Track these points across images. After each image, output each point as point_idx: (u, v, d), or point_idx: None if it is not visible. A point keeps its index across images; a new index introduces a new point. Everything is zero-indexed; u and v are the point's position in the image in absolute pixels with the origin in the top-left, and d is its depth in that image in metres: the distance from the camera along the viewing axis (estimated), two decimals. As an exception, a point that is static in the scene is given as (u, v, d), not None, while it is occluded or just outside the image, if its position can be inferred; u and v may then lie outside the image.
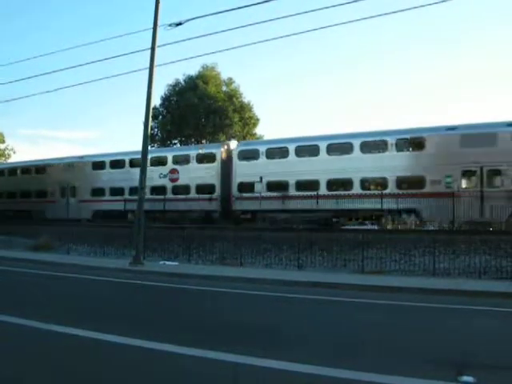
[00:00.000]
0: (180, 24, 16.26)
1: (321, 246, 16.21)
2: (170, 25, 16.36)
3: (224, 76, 44.64)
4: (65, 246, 20.70)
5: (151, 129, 35.16)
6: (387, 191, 22.12)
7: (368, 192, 22.56)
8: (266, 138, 41.49)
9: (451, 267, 13.41)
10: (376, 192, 22.37)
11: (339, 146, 23.91)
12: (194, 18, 16.19)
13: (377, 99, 77.58)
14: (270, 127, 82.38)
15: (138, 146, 17.54)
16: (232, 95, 42.96)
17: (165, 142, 44.16)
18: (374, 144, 23.13)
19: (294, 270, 15.04)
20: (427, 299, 9.99)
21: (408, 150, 22.77)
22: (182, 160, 28.15)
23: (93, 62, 35.84)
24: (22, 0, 79.84)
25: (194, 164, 27.12)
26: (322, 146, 23.97)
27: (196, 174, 26.90)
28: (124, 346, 6.03)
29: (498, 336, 7.01)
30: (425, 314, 8.84)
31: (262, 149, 25.84)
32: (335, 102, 78.72)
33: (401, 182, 22.12)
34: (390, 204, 21.69)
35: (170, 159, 28.55)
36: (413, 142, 22.65)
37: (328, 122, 75.66)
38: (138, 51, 18.54)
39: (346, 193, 22.63)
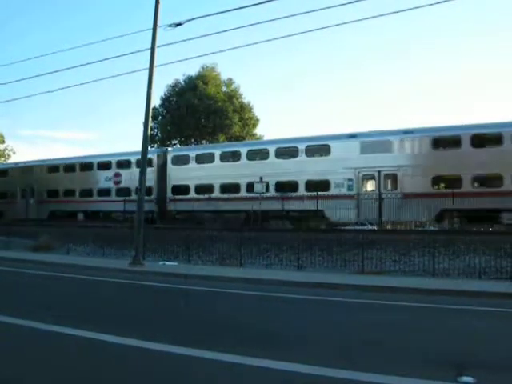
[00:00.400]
0: (180, 24, 16.27)
1: (321, 246, 16.21)
2: (169, 25, 16.37)
3: (224, 76, 44.69)
4: (64, 247, 20.69)
5: (151, 129, 35.20)
6: (298, 194, 24.03)
7: (281, 194, 24.28)
8: (266, 138, 41.50)
9: (451, 267, 13.42)
10: (291, 194, 24.18)
11: (258, 152, 26.22)
12: (193, 19, 16.21)
13: (377, 99, 77.63)
14: (270, 127, 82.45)
15: (138, 147, 17.57)
16: (232, 95, 42.96)
17: (164, 143, 44.16)
18: (287, 150, 25.09)
19: (294, 270, 15.04)
20: (427, 299, 9.99)
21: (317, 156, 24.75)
22: (124, 164, 30.09)
23: (92, 63, 35.85)
24: (22, 0, 79.91)
25: (134, 168, 28.16)
26: (243, 152, 26.22)
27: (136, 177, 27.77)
28: (123, 346, 6.02)
29: (497, 336, 7.00)
30: (425, 315, 8.84)
31: (192, 154, 27.88)
32: (335, 102, 78.78)
33: (309, 185, 23.86)
34: (299, 205, 23.84)
35: (113, 164, 30.62)
36: (320, 148, 24.75)
37: (328, 122, 75.71)
38: (137, 51, 18.57)
39: (264, 195, 24.02)
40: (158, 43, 16.65)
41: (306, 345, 6.36)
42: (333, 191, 23.12)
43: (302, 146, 24.29)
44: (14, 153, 54.23)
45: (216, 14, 16.44)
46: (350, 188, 22.90)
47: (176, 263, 16.75)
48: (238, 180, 25.64)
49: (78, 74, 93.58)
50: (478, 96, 77.30)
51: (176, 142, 45.05)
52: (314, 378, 4.83)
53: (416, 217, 20.70)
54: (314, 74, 75.79)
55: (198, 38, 18.37)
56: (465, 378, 4.72)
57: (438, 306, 9.37)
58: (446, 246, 14.47)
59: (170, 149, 30.70)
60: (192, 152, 28.51)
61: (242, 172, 25.32)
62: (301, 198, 23.81)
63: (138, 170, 25.71)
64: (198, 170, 26.71)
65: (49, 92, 33.63)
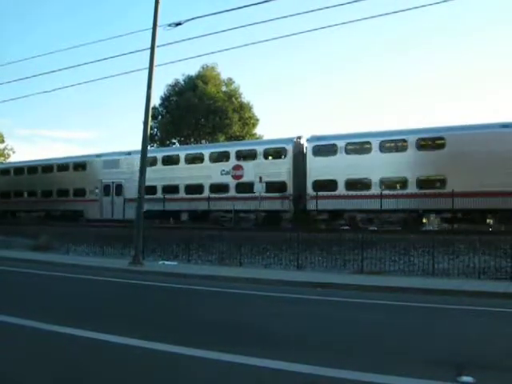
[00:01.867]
0: (179, 24, 16.27)
1: (320, 246, 16.22)
2: (169, 25, 16.37)
3: (224, 76, 44.68)
4: (64, 247, 20.70)
5: (151, 129, 35.13)
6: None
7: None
8: (266, 138, 41.45)
9: (450, 267, 13.43)
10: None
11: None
12: (193, 18, 16.21)
13: (377, 99, 77.63)
14: (270, 127, 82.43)
15: (138, 146, 17.55)
16: (231, 95, 42.94)
17: (164, 142, 44.16)
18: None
19: (294, 270, 15.05)
20: (426, 299, 10.00)
21: None
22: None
23: (92, 62, 35.88)
24: (20, 0, 79.80)
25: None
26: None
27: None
28: (123, 345, 6.03)
29: (497, 336, 7.01)
30: (424, 314, 8.85)
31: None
32: (335, 102, 78.77)
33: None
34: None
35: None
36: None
37: (328, 121, 75.71)
38: (137, 51, 18.57)
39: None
40: (157, 43, 16.67)
41: (305, 344, 6.37)
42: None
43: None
44: (13, 152, 54.25)
45: (216, 13, 16.47)
46: None
47: (176, 263, 16.76)
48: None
49: (78, 74, 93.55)
50: (477, 95, 77.36)
51: (175, 141, 45.04)
52: (316, 377, 4.83)
53: None
54: (314, 74, 75.84)
55: (197, 37, 18.37)
56: (464, 378, 4.73)
57: (437, 306, 9.38)
58: (446, 246, 14.48)
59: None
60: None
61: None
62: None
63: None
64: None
65: (47, 92, 33.58)
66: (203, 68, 43.67)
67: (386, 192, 21.17)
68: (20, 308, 8.49)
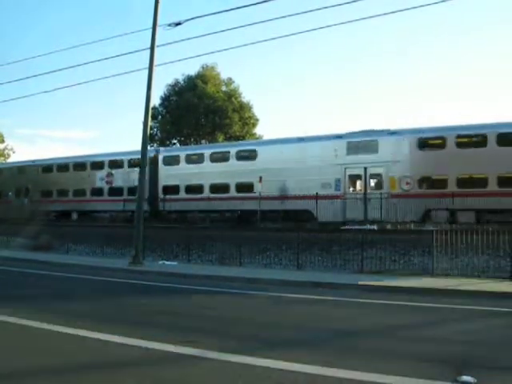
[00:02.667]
0: (179, 24, 16.26)
1: (320, 245, 16.22)
2: (169, 25, 16.37)
3: (224, 76, 44.68)
4: (64, 246, 20.71)
5: (151, 129, 35.18)
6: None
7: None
8: (266, 137, 41.47)
9: (450, 267, 13.43)
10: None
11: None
12: (193, 18, 16.20)
13: (376, 98, 77.64)
14: (269, 127, 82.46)
15: (138, 146, 17.57)
16: (231, 95, 42.93)
17: (164, 142, 44.15)
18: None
19: (294, 269, 15.05)
20: (426, 299, 10.00)
21: None
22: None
23: (92, 62, 35.87)
24: (20, 1, 79.80)
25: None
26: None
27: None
28: (124, 345, 6.03)
29: (497, 336, 7.02)
30: (424, 314, 8.86)
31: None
32: (335, 102, 78.76)
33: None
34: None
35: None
36: None
37: (328, 121, 75.71)
38: (137, 51, 18.61)
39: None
40: (157, 42, 16.67)
41: (305, 344, 6.36)
42: None
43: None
44: (13, 152, 54.30)
45: (215, 13, 16.47)
46: None
47: (176, 263, 16.76)
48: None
49: (78, 74, 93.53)
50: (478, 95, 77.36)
51: (175, 141, 45.02)
52: (316, 377, 4.84)
53: None
54: (314, 74, 75.82)
55: (197, 37, 18.42)
56: (465, 378, 4.73)
57: (437, 306, 9.37)
58: (445, 245, 14.47)
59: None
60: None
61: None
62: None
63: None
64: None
65: (46, 92, 33.55)
66: (203, 68, 43.69)
67: (214, 195, 25.47)
68: (19, 308, 8.48)
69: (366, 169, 21.77)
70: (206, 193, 25.73)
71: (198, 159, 26.86)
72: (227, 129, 41.98)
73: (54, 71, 34.14)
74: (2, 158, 52.38)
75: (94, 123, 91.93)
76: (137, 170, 24.73)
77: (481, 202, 18.99)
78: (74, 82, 76.02)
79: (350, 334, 7.10)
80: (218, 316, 8.38)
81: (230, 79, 44.48)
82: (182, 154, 27.86)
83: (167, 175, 27.45)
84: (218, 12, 16.44)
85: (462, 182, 20.04)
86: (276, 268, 15.57)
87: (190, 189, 26.45)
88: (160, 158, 28.08)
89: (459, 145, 20.48)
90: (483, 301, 9.76)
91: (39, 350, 5.93)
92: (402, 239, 15.97)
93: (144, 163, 16.90)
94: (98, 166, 30.44)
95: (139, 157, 16.83)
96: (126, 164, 29.28)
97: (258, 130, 45.17)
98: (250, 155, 25.10)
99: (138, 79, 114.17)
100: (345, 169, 22.23)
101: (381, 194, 21.01)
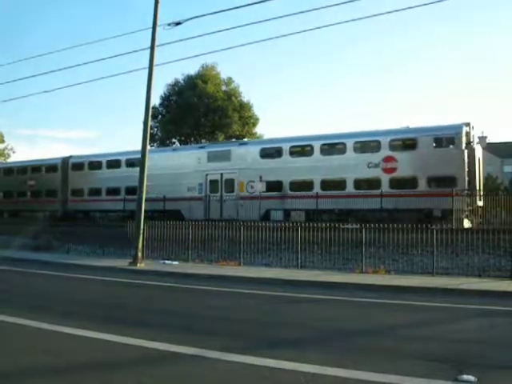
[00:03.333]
0: (179, 23, 16.24)
1: (321, 245, 16.22)
2: (169, 24, 16.33)
3: (224, 75, 44.61)
4: (64, 246, 20.71)
5: (151, 128, 35.16)
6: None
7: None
8: (266, 137, 41.41)
9: (450, 266, 13.43)
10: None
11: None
12: (193, 18, 16.17)
13: (375, 98, 77.63)
14: (269, 127, 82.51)
15: (138, 146, 17.60)
16: (231, 94, 42.86)
17: (164, 142, 44.11)
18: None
19: (294, 269, 15.04)
20: (427, 298, 10.00)
21: None
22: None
23: (92, 62, 35.86)
24: (21, 1, 79.80)
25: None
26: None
27: None
28: (124, 345, 6.03)
29: (498, 335, 7.02)
30: (424, 313, 8.85)
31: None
32: (335, 102, 78.76)
33: None
34: None
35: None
36: None
37: (328, 121, 75.68)
38: (137, 51, 18.61)
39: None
40: (157, 42, 16.64)
41: (305, 344, 6.37)
42: None
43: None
44: (13, 152, 54.27)
45: (215, 13, 16.42)
46: None
47: (176, 262, 16.76)
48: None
49: (78, 74, 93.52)
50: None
51: (175, 141, 44.98)
52: (316, 376, 4.83)
53: None
54: (314, 74, 75.81)
55: (197, 37, 18.38)
56: (465, 377, 4.73)
57: (437, 305, 9.38)
58: (446, 244, 14.47)
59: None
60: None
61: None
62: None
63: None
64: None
65: (46, 92, 33.50)
66: (203, 67, 43.62)
67: (110, 197, 29.07)
68: (18, 307, 8.49)
69: (222, 174, 25.22)
70: (103, 195, 29.73)
71: (98, 166, 30.78)
72: (227, 128, 41.90)
73: (54, 71, 34.14)
74: (2, 158, 52.35)
75: (95, 123, 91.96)
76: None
77: (309, 203, 22.50)
78: (74, 82, 76.04)
79: (351, 334, 7.10)
80: (218, 315, 8.37)
81: (230, 79, 44.42)
82: (86, 161, 31.80)
83: (74, 179, 31.47)
84: (218, 11, 16.43)
85: (295, 186, 23.34)
86: (276, 267, 15.57)
87: (92, 191, 30.46)
88: (70, 164, 32.05)
89: (292, 154, 24.08)
90: (484, 300, 9.76)
91: (39, 349, 5.93)
92: (403, 238, 15.95)
93: (144, 163, 16.88)
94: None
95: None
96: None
97: (259, 130, 45.13)
98: (138, 163, 26.86)
99: (138, 79, 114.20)
100: (206, 175, 25.65)
101: (235, 196, 24.57)
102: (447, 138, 21.09)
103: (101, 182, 29.75)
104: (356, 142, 22.60)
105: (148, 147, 17.73)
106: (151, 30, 16.58)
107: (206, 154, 26.11)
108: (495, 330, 7.42)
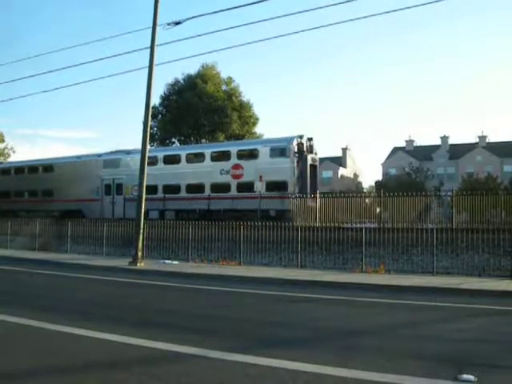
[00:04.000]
0: (179, 23, 16.22)
1: (321, 244, 16.22)
2: (169, 24, 16.32)
3: (224, 75, 44.60)
4: (64, 246, 20.71)
5: (151, 128, 35.17)
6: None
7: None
8: (266, 137, 41.38)
9: (450, 266, 13.44)
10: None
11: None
12: (193, 17, 16.16)
13: (375, 98, 77.63)
14: (269, 126, 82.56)
15: (138, 145, 17.67)
16: (231, 94, 42.85)
17: (164, 142, 44.09)
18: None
19: (294, 268, 15.05)
20: (427, 298, 10.01)
21: None
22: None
23: (92, 62, 35.82)
24: (21, 2, 79.79)
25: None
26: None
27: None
28: (125, 344, 6.03)
29: (498, 334, 7.02)
30: (424, 313, 8.86)
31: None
32: (335, 102, 78.73)
33: None
34: None
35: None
36: None
37: (328, 121, 75.67)
38: (137, 50, 18.58)
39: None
40: (157, 42, 16.63)
41: (305, 343, 6.37)
42: None
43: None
44: (13, 152, 54.19)
45: (215, 12, 16.40)
46: None
47: (176, 262, 16.77)
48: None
49: (78, 74, 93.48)
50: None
51: (175, 140, 44.96)
52: (316, 376, 4.84)
53: None
54: (315, 74, 75.77)
55: (197, 36, 18.39)
56: (465, 376, 4.73)
57: (438, 305, 9.39)
58: (446, 244, 14.48)
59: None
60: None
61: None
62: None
63: None
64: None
65: (46, 91, 33.40)
66: (203, 67, 43.60)
67: (32, 199, 32.03)
68: (19, 307, 8.49)
69: (113, 179, 28.24)
70: (26, 196, 32.91)
71: (19, 171, 34.25)
72: (227, 128, 41.87)
73: (52, 71, 34.11)
74: (2, 158, 52.30)
75: (95, 123, 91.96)
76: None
77: (178, 204, 26.06)
78: (74, 82, 75.93)
79: (351, 333, 7.10)
80: (219, 315, 8.38)
81: (230, 78, 44.39)
82: (12, 168, 35.30)
83: (2, 183, 34.37)
84: (219, 11, 16.40)
85: (167, 190, 26.61)
86: (276, 267, 15.57)
87: (18, 193, 33.43)
88: None
89: (165, 162, 27.61)
90: (484, 299, 9.77)
91: (40, 349, 5.93)
92: (403, 238, 15.97)
93: (144, 163, 16.88)
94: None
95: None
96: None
97: (259, 129, 45.11)
98: (48, 168, 32.19)
99: (138, 79, 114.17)
100: (102, 179, 28.60)
101: (123, 197, 27.50)
102: (280, 149, 24.35)
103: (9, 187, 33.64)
104: (213, 152, 26.70)
105: (148, 147, 17.73)
106: (151, 29, 16.57)
107: (102, 161, 29.54)
108: (495, 329, 7.42)
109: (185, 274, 13.83)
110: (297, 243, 15.69)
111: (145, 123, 16.96)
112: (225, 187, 24.99)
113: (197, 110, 41.33)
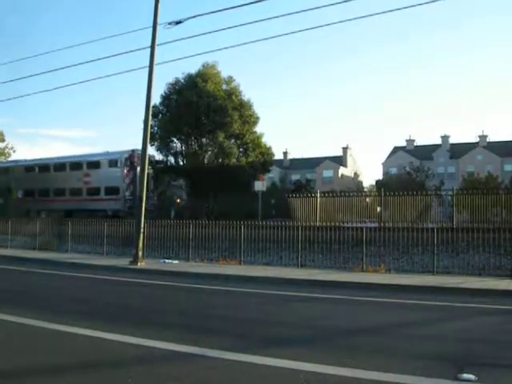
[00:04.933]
0: (180, 22, 16.20)
1: (321, 244, 16.22)
2: (169, 23, 16.30)
3: (224, 74, 44.55)
4: (64, 245, 20.71)
5: (151, 127, 35.18)
6: None
7: None
8: (266, 136, 41.39)
9: (451, 265, 13.43)
10: None
11: None
12: (193, 17, 16.15)
13: (376, 97, 77.54)
14: (270, 126, 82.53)
15: (138, 145, 17.69)
16: (232, 93, 42.81)
17: (164, 141, 44.05)
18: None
19: (294, 268, 15.05)
20: (427, 297, 10.00)
21: None
22: None
23: (92, 61, 35.88)
24: (22, 2, 79.76)
25: None
26: None
27: None
28: (123, 343, 6.03)
29: (498, 334, 7.02)
30: (425, 312, 8.86)
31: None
32: (335, 102, 78.68)
33: None
34: None
35: None
36: None
37: (327, 121, 75.63)
38: (137, 50, 18.57)
39: None
40: (158, 41, 16.62)
41: (305, 343, 6.36)
42: None
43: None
44: (14, 151, 54.23)
45: (216, 11, 16.40)
46: None
47: (176, 261, 16.77)
48: None
49: (78, 73, 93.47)
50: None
51: (176, 139, 44.92)
52: (317, 375, 4.83)
53: None
54: (315, 74, 75.70)
55: (198, 36, 18.37)
56: (465, 375, 4.72)
57: (438, 304, 9.38)
58: (446, 243, 14.48)
59: None
60: None
61: None
62: None
63: None
64: None
65: (47, 91, 33.50)
66: (203, 66, 43.57)
67: None
68: (18, 307, 8.49)
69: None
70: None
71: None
72: (227, 127, 41.82)
73: (51, 71, 34.13)
74: (3, 157, 52.34)
75: (95, 123, 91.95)
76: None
77: (68, 205, 31.99)
78: (74, 81, 75.96)
79: (351, 332, 7.10)
80: (219, 314, 8.37)
81: (231, 78, 44.34)
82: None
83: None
84: (219, 10, 16.45)
85: (56, 193, 33.13)
86: (276, 266, 15.57)
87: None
88: None
89: (39, 170, 35.43)
90: (484, 299, 9.76)
91: (39, 348, 5.93)
92: (403, 237, 15.97)
93: (145, 163, 16.87)
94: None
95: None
96: None
97: (259, 128, 45.06)
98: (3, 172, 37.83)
99: (139, 78, 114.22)
100: None
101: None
102: (114, 161, 31.22)
103: None
104: (71, 163, 33.36)
105: (148, 146, 17.73)
106: (151, 29, 16.56)
107: None
108: (496, 328, 7.42)
109: (185, 274, 13.83)
110: (297, 242, 15.69)
111: (145, 122, 16.95)
112: (79, 191, 32.01)
113: (197, 109, 41.29)
